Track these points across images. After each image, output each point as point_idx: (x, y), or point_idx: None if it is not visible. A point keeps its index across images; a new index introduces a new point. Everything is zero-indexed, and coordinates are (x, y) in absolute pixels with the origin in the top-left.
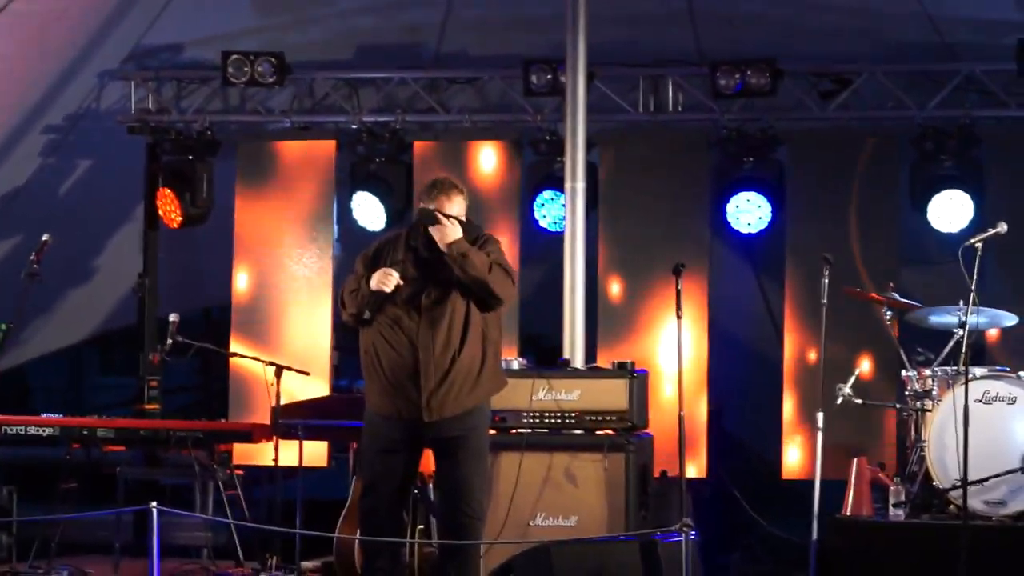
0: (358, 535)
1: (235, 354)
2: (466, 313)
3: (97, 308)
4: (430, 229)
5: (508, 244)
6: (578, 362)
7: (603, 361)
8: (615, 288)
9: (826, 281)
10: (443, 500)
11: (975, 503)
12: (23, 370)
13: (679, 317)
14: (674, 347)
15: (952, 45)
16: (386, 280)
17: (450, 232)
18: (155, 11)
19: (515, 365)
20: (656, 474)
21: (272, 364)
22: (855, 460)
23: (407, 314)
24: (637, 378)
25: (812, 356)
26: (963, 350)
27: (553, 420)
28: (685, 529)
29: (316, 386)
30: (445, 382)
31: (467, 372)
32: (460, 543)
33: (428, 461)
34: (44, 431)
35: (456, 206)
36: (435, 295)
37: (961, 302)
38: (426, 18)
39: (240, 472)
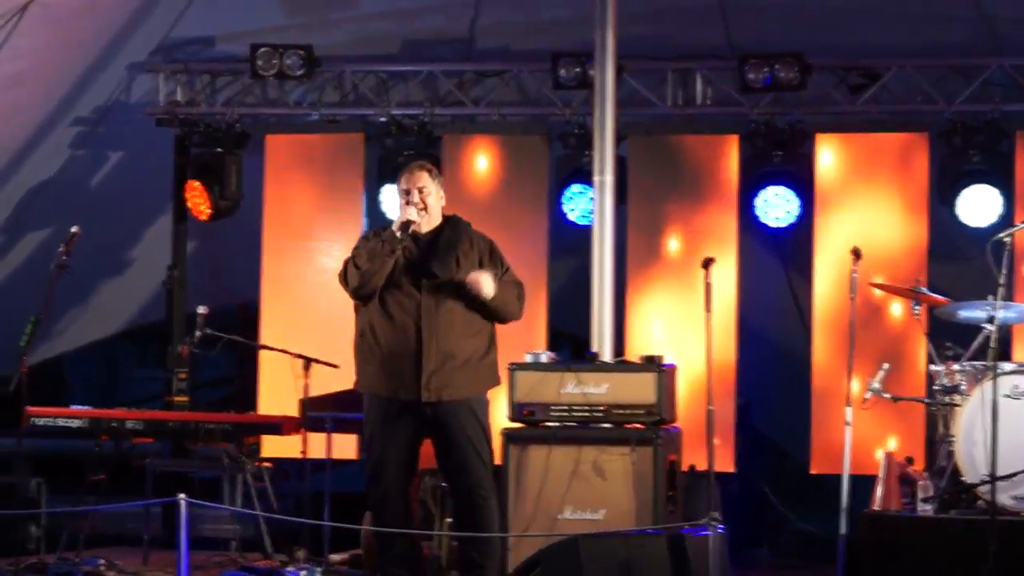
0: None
1: (264, 347)
2: (469, 299)
3: (131, 300)
4: (468, 284)
5: (536, 238)
6: (606, 356)
7: (631, 355)
8: (643, 282)
9: (855, 275)
10: (452, 484)
11: (1004, 498)
12: (59, 362)
13: (708, 311)
14: (701, 341)
15: (981, 41)
16: (408, 213)
17: (486, 282)
18: (182, 5)
19: (543, 359)
20: (684, 468)
21: (301, 357)
22: (884, 455)
23: (409, 295)
24: (665, 372)
25: (840, 350)
26: (992, 345)
27: (581, 414)
28: (713, 523)
29: (345, 379)
30: (447, 364)
31: (468, 358)
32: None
33: None
34: (73, 423)
35: (436, 191)
36: (437, 277)
37: (990, 297)
38: (455, 12)
39: (269, 465)
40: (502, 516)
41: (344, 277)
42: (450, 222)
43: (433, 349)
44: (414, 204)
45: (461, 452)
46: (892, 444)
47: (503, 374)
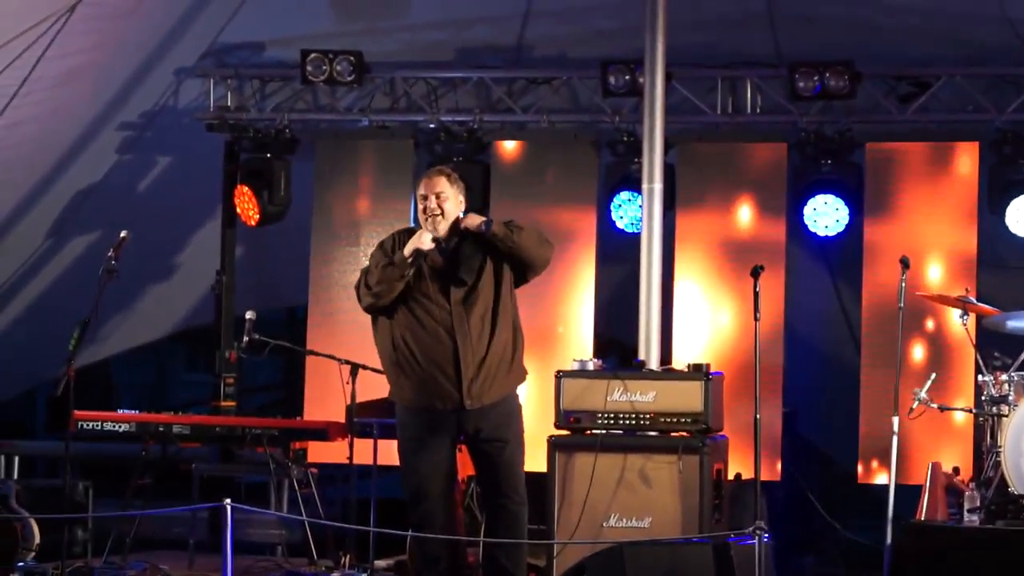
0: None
1: (312, 352)
2: (495, 299)
3: (179, 305)
4: (462, 225)
5: (585, 245)
6: (653, 364)
7: (678, 363)
8: (691, 289)
9: (903, 284)
10: (487, 490)
11: None
12: (107, 366)
13: (756, 320)
14: (749, 349)
15: None
16: (422, 239)
17: (471, 219)
18: (231, 9)
19: (590, 366)
20: (730, 476)
21: (348, 363)
22: (930, 464)
23: (439, 305)
24: (712, 380)
25: (888, 359)
26: None
27: (628, 421)
28: (759, 532)
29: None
30: (483, 368)
31: (501, 357)
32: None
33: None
34: (120, 427)
35: (454, 196)
36: (465, 283)
37: None
38: (505, 21)
39: (315, 470)
40: (548, 522)
41: (358, 294)
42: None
43: (469, 356)
44: (430, 211)
45: (500, 457)
46: (939, 454)
47: (550, 382)
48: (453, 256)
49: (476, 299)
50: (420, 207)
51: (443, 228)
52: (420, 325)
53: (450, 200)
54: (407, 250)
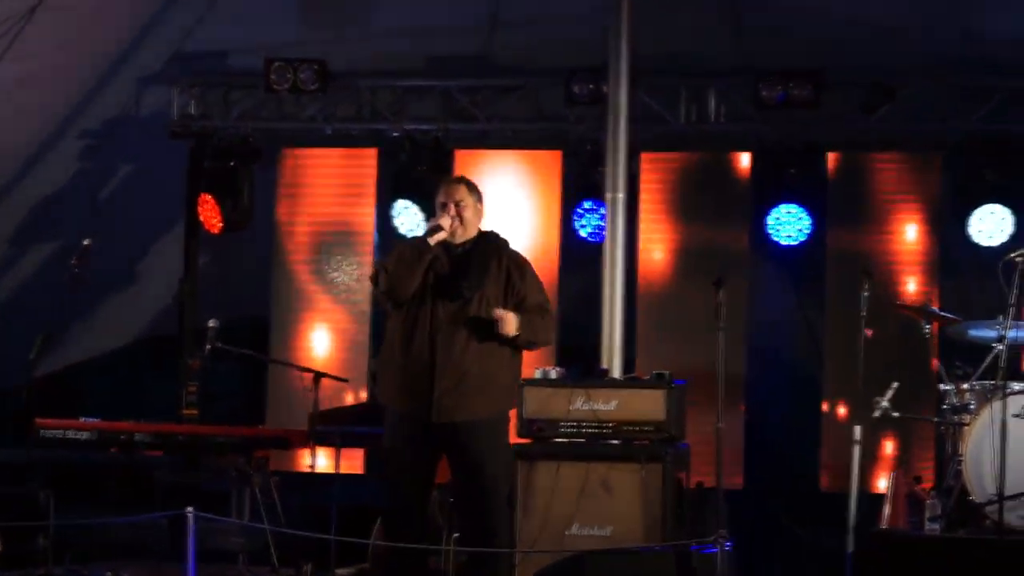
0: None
1: (274, 360)
2: (490, 321)
3: (142, 313)
4: (500, 328)
5: (548, 253)
6: (616, 372)
7: (641, 372)
8: (654, 298)
9: (866, 294)
10: (461, 504)
11: (1011, 518)
12: (70, 374)
13: (719, 329)
14: (711, 358)
15: (996, 60)
16: (441, 220)
17: (510, 323)
18: (194, 17)
19: (552, 375)
20: (693, 485)
21: (310, 371)
22: (892, 473)
23: (432, 311)
24: (675, 389)
25: (850, 369)
26: (1001, 364)
27: (590, 430)
28: (721, 540)
29: (354, 393)
30: (461, 384)
31: (484, 379)
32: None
33: None
34: (83, 435)
35: (473, 204)
36: (463, 297)
37: (1000, 316)
38: (470, 30)
39: (277, 478)
40: (511, 535)
41: (375, 278)
42: (486, 238)
43: (448, 368)
44: (449, 216)
45: (473, 475)
46: (901, 463)
47: None
48: (460, 267)
49: (469, 312)
50: (439, 212)
51: (460, 236)
52: (411, 328)
53: (469, 208)
54: (428, 227)
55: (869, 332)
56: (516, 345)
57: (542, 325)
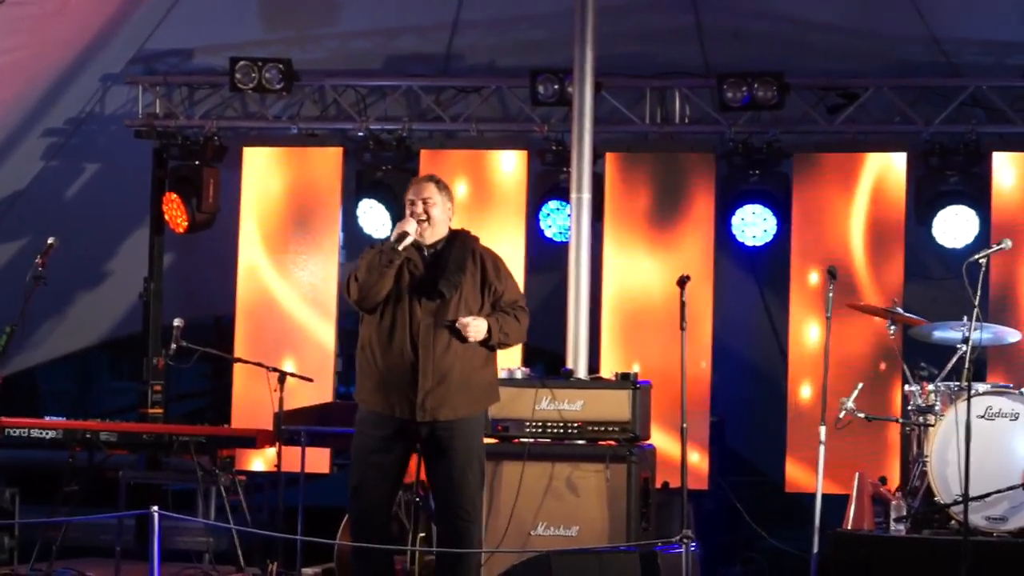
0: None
1: (239, 360)
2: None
3: (106, 313)
4: (465, 332)
5: (513, 254)
6: (581, 372)
7: (606, 372)
8: (619, 299)
9: (831, 294)
10: (438, 504)
11: (976, 519)
12: (33, 374)
13: (683, 329)
14: (676, 358)
15: (958, 64)
16: (407, 225)
17: (477, 331)
18: (159, 16)
19: (518, 375)
20: (658, 485)
21: (276, 370)
22: (857, 474)
23: (410, 313)
24: (640, 389)
25: (815, 369)
26: (966, 366)
27: (556, 430)
28: (686, 540)
29: (320, 392)
30: (444, 384)
31: (467, 377)
32: (458, 550)
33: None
34: (47, 434)
35: (442, 203)
36: (442, 297)
37: (965, 318)
38: (435, 30)
39: (242, 478)
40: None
41: (347, 288)
42: (457, 236)
43: (430, 368)
44: (416, 215)
45: (452, 473)
46: (866, 464)
47: None
48: (434, 267)
49: (447, 312)
50: (408, 212)
51: (429, 235)
52: (389, 330)
53: (438, 206)
54: (393, 235)
55: None
56: (490, 347)
57: (516, 327)
